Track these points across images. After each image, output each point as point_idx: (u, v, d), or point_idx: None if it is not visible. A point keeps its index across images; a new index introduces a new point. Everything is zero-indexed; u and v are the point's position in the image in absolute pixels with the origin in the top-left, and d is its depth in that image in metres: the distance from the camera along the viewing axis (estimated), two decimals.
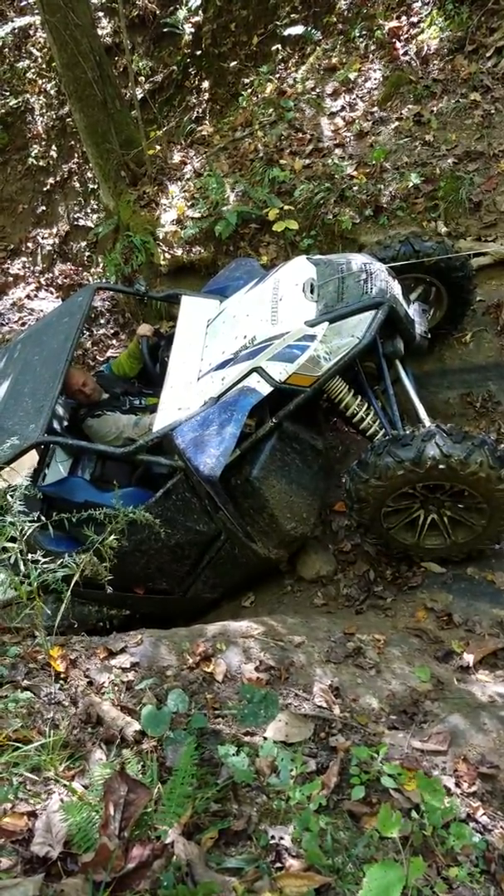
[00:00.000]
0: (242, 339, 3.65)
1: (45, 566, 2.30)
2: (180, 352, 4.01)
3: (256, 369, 3.43)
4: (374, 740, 2.28)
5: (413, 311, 3.79)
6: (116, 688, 2.34)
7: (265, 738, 2.17)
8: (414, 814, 1.91)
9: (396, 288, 3.63)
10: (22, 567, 2.30)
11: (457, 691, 2.65)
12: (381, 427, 3.62)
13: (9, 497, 2.33)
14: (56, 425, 4.32)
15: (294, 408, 3.49)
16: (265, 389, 3.39)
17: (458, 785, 2.15)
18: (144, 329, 4.58)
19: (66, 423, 4.45)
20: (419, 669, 2.73)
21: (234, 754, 1.97)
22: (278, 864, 1.72)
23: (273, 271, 3.98)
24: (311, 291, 3.58)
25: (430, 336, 3.83)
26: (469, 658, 2.88)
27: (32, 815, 1.69)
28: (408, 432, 3.24)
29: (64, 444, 4.08)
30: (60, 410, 4.43)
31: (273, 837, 1.78)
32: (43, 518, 2.63)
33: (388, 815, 1.60)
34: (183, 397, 3.71)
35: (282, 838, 1.78)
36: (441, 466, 3.09)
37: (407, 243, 3.98)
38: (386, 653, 2.87)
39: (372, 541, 3.78)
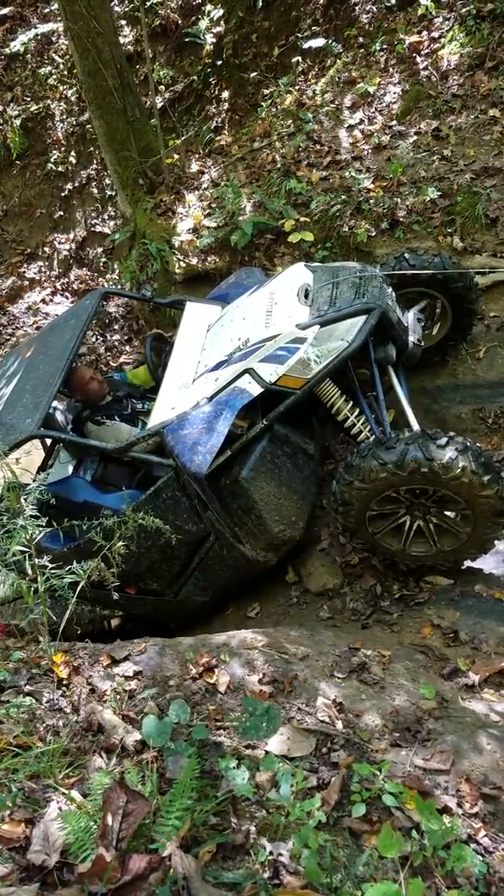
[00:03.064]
0: (237, 341, 3.70)
1: (52, 571, 2.30)
2: (179, 355, 4.08)
3: (248, 370, 3.47)
4: (376, 757, 2.25)
5: (408, 318, 3.80)
6: (118, 696, 2.33)
7: (266, 752, 2.16)
8: (414, 833, 1.89)
9: (390, 294, 3.64)
10: (29, 571, 2.30)
11: (461, 710, 2.62)
12: (371, 432, 3.63)
13: (22, 500, 2.34)
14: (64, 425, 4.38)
15: (284, 409, 3.51)
16: (256, 390, 3.43)
17: (460, 805, 2.12)
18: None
19: (70, 427, 4.49)
20: (424, 686, 2.70)
21: (234, 767, 1.96)
22: (276, 881, 1.70)
23: (273, 278, 4.04)
24: (306, 296, 3.63)
25: (423, 344, 3.84)
26: (475, 676, 2.85)
27: (30, 822, 1.69)
28: (394, 436, 3.24)
29: (58, 438, 4.14)
30: (60, 416, 4.49)
31: (271, 853, 1.76)
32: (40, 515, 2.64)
33: (388, 836, 1.58)
34: (178, 398, 3.76)
35: (280, 854, 1.76)
36: (423, 470, 3.09)
37: (402, 259, 3.99)
38: (391, 669, 2.85)
39: (358, 545, 3.79)
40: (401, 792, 2.02)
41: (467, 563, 3.64)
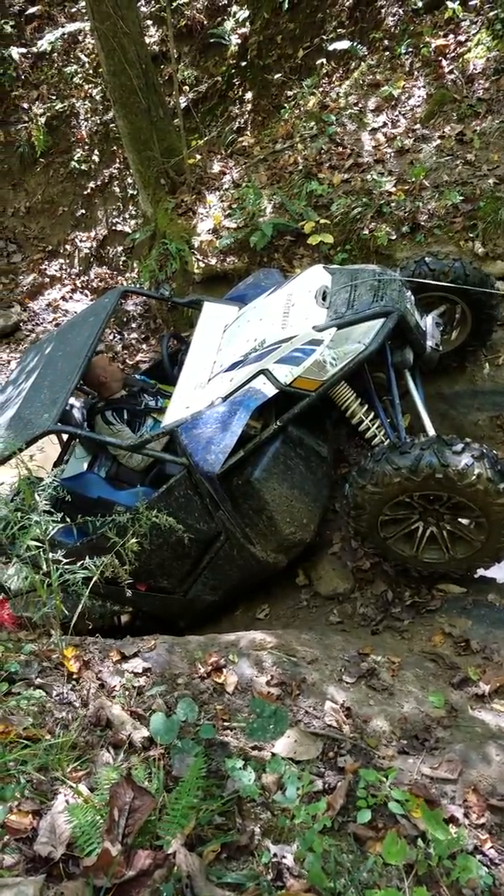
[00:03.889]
0: (253, 341, 3.70)
1: (65, 566, 2.31)
2: (195, 354, 4.09)
3: (263, 371, 3.46)
4: (383, 764, 2.25)
5: (426, 323, 3.78)
6: (127, 692, 2.34)
7: (273, 754, 2.16)
8: (420, 842, 1.88)
9: (408, 298, 3.63)
10: (43, 565, 2.32)
11: (470, 719, 2.60)
12: (386, 436, 3.62)
13: (36, 496, 2.36)
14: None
15: (299, 411, 3.50)
16: (270, 391, 3.42)
17: (466, 815, 2.11)
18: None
19: (85, 423, 4.53)
20: (433, 694, 2.69)
21: (240, 768, 1.96)
22: (279, 883, 1.70)
23: (291, 279, 4.03)
24: (324, 298, 3.62)
25: (441, 349, 3.82)
26: (485, 686, 2.83)
27: (37, 814, 1.70)
28: (408, 440, 3.22)
29: (74, 434, 4.17)
30: (77, 413, 4.53)
31: (275, 855, 1.76)
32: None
33: (394, 843, 1.57)
34: (193, 397, 3.77)
35: (284, 857, 1.76)
36: (438, 476, 3.06)
37: (422, 263, 3.97)
38: (400, 675, 2.83)
39: (370, 550, 3.77)
40: (407, 800, 2.01)
41: (480, 572, 3.62)
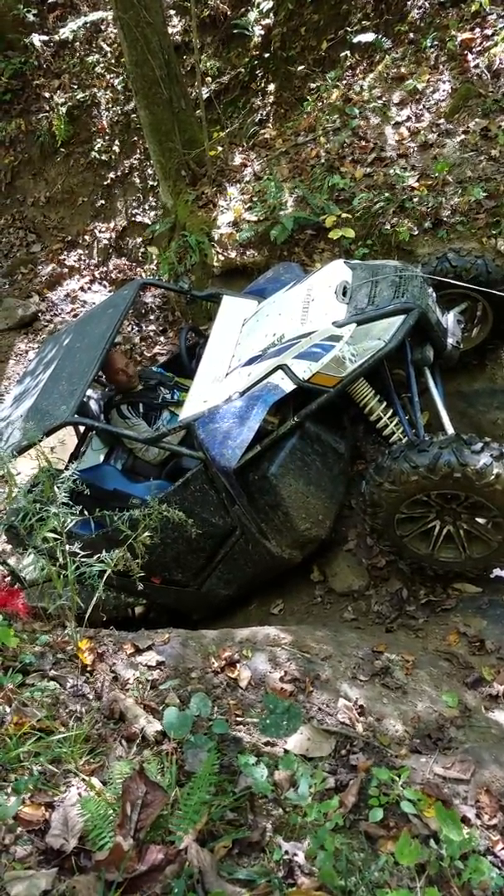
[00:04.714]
0: (272, 336, 3.68)
1: (81, 559, 2.32)
2: (214, 348, 4.09)
3: (282, 366, 3.45)
4: (395, 762, 2.24)
5: (447, 320, 3.74)
6: (141, 685, 2.35)
7: (286, 751, 2.16)
8: (432, 842, 1.87)
9: (430, 295, 3.59)
10: (60, 557, 2.32)
11: (484, 720, 2.59)
12: (404, 433, 3.59)
13: (56, 488, 2.36)
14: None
15: (317, 407, 3.48)
16: (288, 387, 3.42)
17: (478, 816, 2.10)
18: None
19: (102, 416, 4.55)
20: (447, 694, 2.68)
21: (253, 764, 1.96)
22: (290, 881, 1.70)
23: (311, 274, 4.00)
24: (344, 294, 3.59)
25: (461, 347, 3.78)
26: (499, 687, 2.81)
27: (50, 806, 1.71)
28: (427, 438, 3.20)
29: (92, 426, 4.19)
30: (94, 405, 4.54)
31: (287, 852, 1.76)
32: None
33: (406, 843, 1.56)
34: (210, 391, 3.76)
35: (296, 854, 1.76)
36: (456, 475, 3.04)
37: (444, 259, 3.93)
38: (414, 674, 2.82)
39: (386, 548, 3.75)
40: (419, 799, 2.00)
41: (496, 572, 3.59)
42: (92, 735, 2.02)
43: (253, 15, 6.85)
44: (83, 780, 1.80)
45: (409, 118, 5.49)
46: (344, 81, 6.14)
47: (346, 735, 2.31)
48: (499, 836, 2.04)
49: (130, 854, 1.46)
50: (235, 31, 7.00)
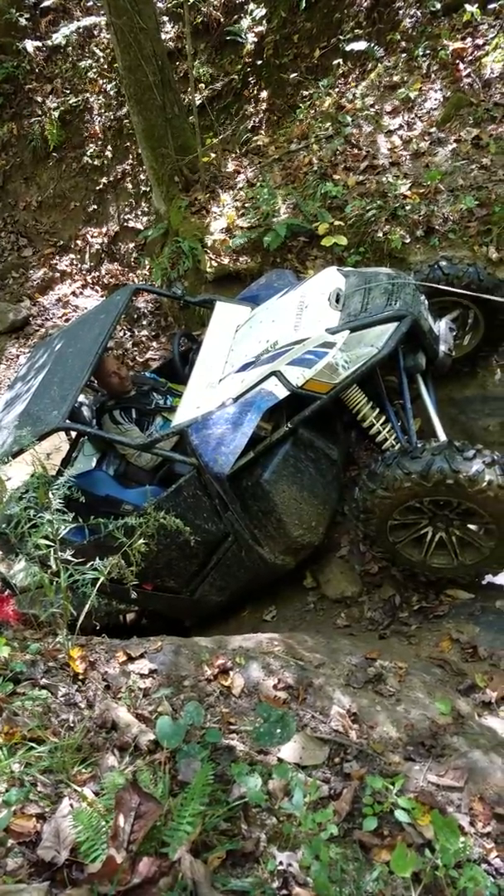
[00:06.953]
0: (265, 343, 3.69)
1: (74, 567, 2.30)
2: (207, 354, 4.08)
3: (275, 373, 3.45)
4: (389, 770, 2.23)
5: (440, 328, 3.76)
6: (133, 694, 2.33)
7: (279, 760, 2.14)
8: (426, 850, 1.86)
9: (422, 302, 3.61)
10: (52, 564, 2.30)
11: (478, 727, 2.58)
12: (397, 440, 3.60)
13: (50, 496, 2.34)
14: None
15: (310, 414, 3.49)
16: (282, 393, 3.42)
17: (472, 824, 2.09)
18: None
19: (94, 421, 4.52)
20: (440, 701, 2.67)
21: (247, 773, 1.94)
22: (285, 891, 1.68)
23: (304, 281, 4.01)
24: (337, 301, 3.60)
25: (453, 354, 3.80)
26: (492, 693, 2.81)
27: (41, 818, 1.69)
28: (420, 445, 3.21)
29: (83, 431, 4.16)
30: (87, 410, 4.52)
31: (281, 863, 1.74)
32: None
33: (402, 854, 1.55)
34: (203, 397, 3.76)
35: (290, 864, 1.75)
36: (448, 481, 3.06)
37: (436, 267, 3.95)
38: (407, 681, 2.81)
39: (378, 554, 3.75)
40: (413, 808, 1.99)
41: (489, 578, 3.60)
42: (84, 744, 2.00)
43: (246, 22, 6.87)
44: (75, 790, 1.77)
45: (401, 126, 5.52)
46: (336, 89, 6.17)
47: (340, 743, 2.30)
48: (493, 843, 2.03)
49: (124, 867, 1.44)
50: (228, 38, 7.02)
